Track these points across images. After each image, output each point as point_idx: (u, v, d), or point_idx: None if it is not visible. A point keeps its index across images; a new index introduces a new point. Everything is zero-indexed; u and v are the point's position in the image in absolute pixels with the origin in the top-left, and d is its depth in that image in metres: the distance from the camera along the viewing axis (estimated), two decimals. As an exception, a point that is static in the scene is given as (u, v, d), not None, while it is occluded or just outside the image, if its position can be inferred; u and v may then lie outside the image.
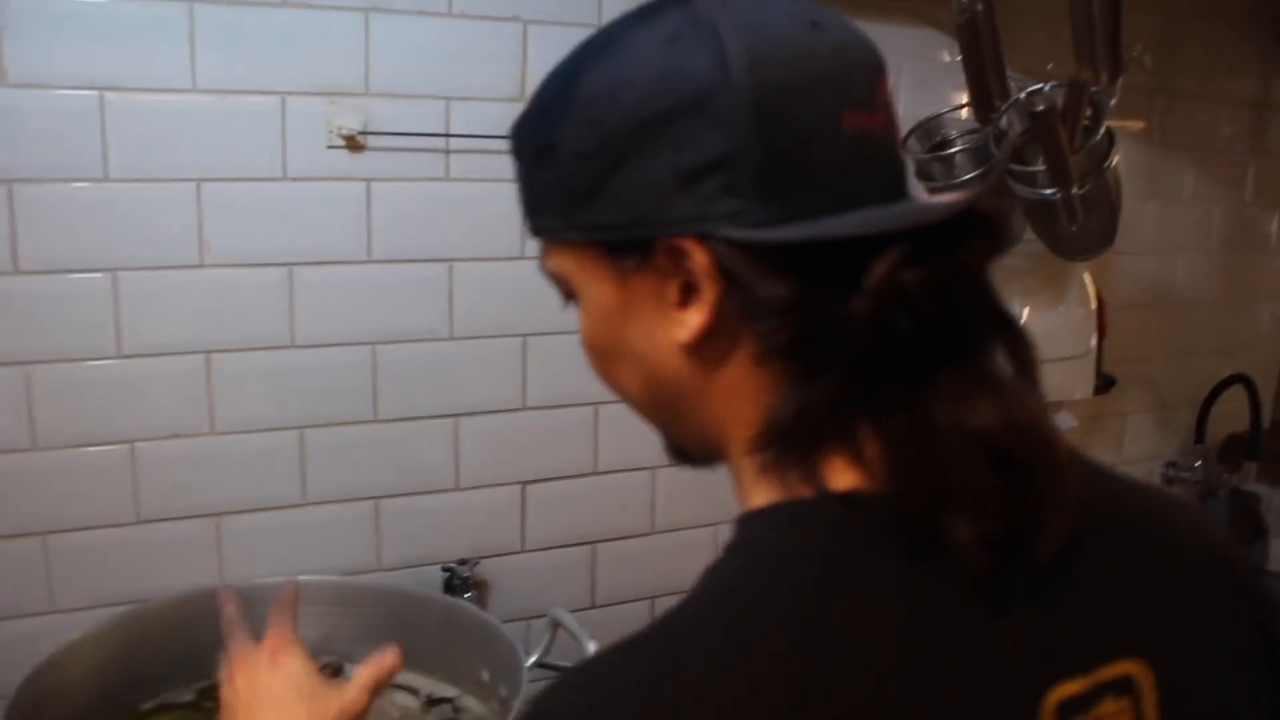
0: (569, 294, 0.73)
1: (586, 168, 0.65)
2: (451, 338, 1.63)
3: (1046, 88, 1.57)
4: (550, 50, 1.57)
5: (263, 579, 1.49)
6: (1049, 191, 1.57)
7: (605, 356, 0.73)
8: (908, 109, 1.88)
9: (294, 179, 1.50)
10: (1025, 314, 1.93)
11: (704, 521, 1.88)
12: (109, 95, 1.39)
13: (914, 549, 0.59)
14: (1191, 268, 2.40)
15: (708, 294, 0.64)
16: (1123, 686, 0.63)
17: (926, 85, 1.86)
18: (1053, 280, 1.97)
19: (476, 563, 1.67)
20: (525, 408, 1.69)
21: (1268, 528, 2.44)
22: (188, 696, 1.38)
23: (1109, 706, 0.62)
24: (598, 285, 0.69)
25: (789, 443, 0.63)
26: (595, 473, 1.77)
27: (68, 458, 1.44)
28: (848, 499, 0.62)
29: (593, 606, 1.82)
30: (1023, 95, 1.59)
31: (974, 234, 0.62)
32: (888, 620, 0.58)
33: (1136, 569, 0.68)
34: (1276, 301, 2.55)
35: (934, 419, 0.61)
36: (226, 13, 1.43)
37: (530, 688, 1.26)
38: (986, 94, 1.63)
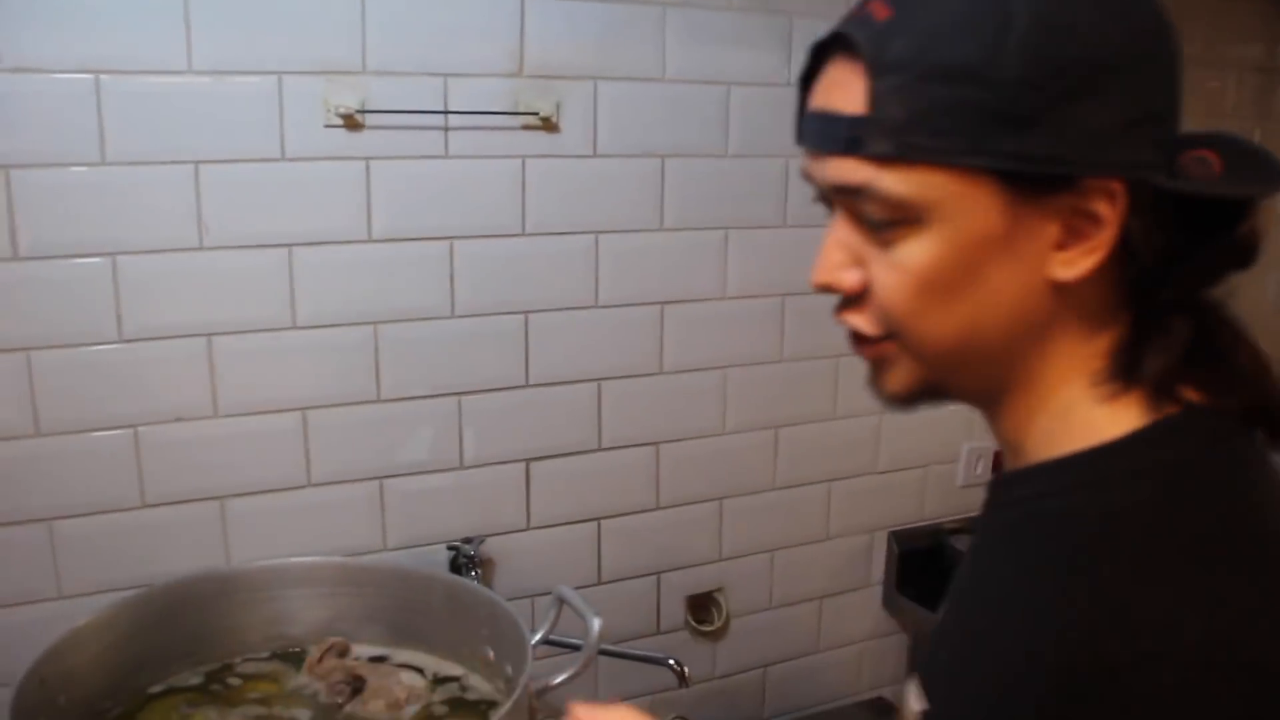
0: (902, 221, 0.69)
1: (1028, 97, 0.64)
2: (453, 315, 1.62)
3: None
4: (547, 25, 1.58)
5: (269, 560, 1.49)
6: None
7: (942, 291, 0.70)
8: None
9: (292, 159, 1.49)
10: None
11: (706, 496, 1.88)
12: (104, 78, 1.38)
13: (1260, 449, 0.72)
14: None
15: (1107, 236, 0.67)
16: None
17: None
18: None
19: (482, 541, 1.67)
20: (528, 384, 1.69)
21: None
22: (195, 679, 1.38)
23: None
24: (976, 215, 0.68)
25: (1157, 371, 0.70)
26: (599, 449, 1.76)
27: (71, 443, 1.44)
28: (1212, 412, 0.71)
29: (599, 583, 1.82)
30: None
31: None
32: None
33: None
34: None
35: (1253, 348, 0.74)
36: (219, -8, 1.42)
37: (536, 665, 1.26)
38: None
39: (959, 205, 0.67)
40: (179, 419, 1.49)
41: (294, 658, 1.43)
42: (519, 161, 1.62)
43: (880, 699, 2.16)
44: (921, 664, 0.83)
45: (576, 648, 1.37)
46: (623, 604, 1.85)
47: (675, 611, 1.91)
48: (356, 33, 1.50)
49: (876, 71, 0.67)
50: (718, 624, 1.94)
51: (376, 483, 1.63)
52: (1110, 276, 0.70)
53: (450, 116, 1.57)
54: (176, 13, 1.40)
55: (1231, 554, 0.65)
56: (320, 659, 1.39)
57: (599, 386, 1.74)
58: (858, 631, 2.13)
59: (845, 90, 0.69)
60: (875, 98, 0.67)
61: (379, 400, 1.60)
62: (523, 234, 1.64)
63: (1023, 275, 0.69)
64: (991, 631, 0.71)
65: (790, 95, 1.77)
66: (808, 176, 0.75)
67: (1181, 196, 0.67)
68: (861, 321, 0.74)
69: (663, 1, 1.67)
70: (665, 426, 1.81)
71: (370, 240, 1.55)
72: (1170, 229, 0.68)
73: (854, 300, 0.74)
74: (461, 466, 1.67)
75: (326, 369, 1.56)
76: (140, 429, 1.47)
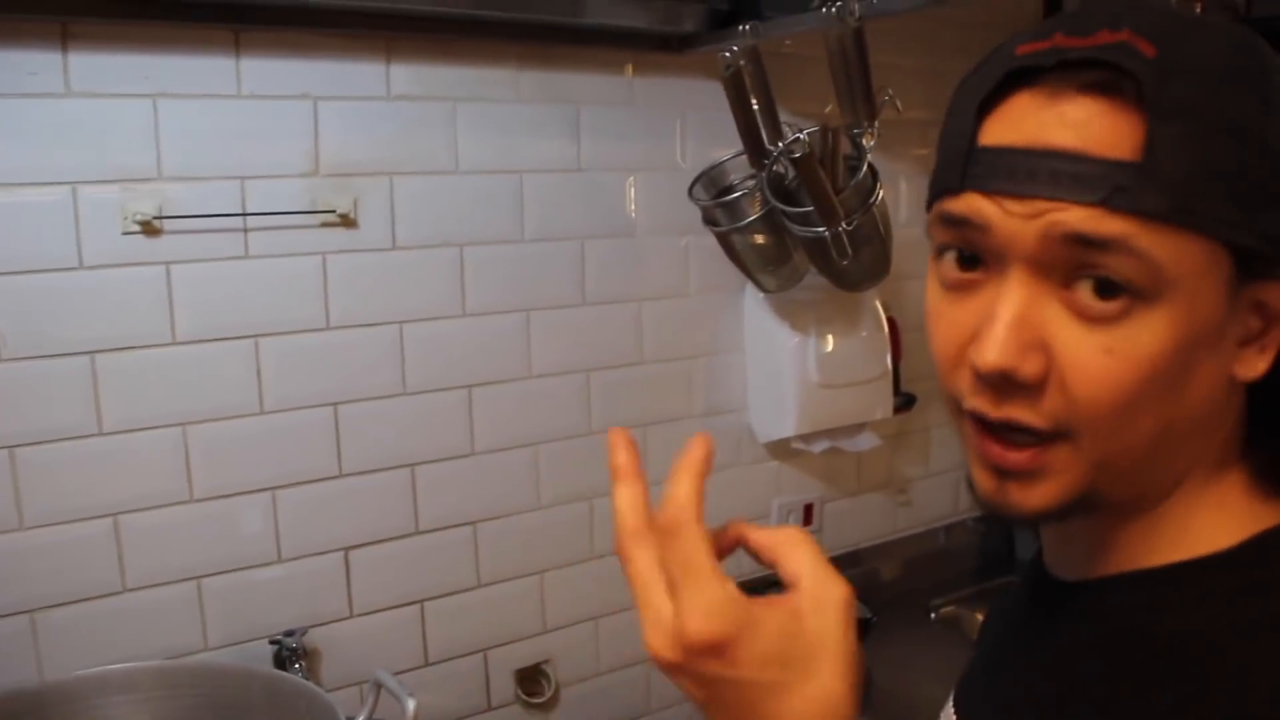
0: (1140, 295, 0.59)
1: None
2: (262, 412, 1.65)
3: (804, 134, 1.68)
4: (341, 125, 1.64)
5: (83, 670, 1.48)
6: (821, 230, 1.67)
7: (1154, 387, 0.61)
8: (695, 158, 1.98)
9: (90, 267, 1.51)
10: (824, 343, 2.03)
11: (527, 570, 1.93)
12: (-112, 198, 1.38)
13: None
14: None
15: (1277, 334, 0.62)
16: None
17: (713, 134, 1.96)
18: (845, 309, 2.09)
19: (304, 632, 1.69)
20: (341, 474, 1.72)
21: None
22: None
23: None
24: (1209, 300, 0.60)
25: None
26: (417, 532, 1.80)
27: None
28: None
29: (426, 664, 1.84)
30: (781, 144, 1.69)
31: None
32: None
33: None
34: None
35: None
36: (8, 105, 1.43)
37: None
38: (759, 142, 1.73)
39: (1198, 284, 0.59)
40: (-17, 533, 1.48)
41: (114, 766, 1.42)
42: (319, 258, 1.66)
43: (713, 754, 2.22)
44: None
45: (399, 729, 1.40)
46: (451, 683, 1.88)
47: (505, 686, 1.94)
48: (150, 140, 1.53)
49: (1158, 115, 0.58)
50: (548, 695, 1.98)
51: (194, 582, 1.63)
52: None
53: (249, 218, 1.60)
54: (-38, 130, 1.41)
55: None
56: (141, 764, 1.39)
57: (413, 471, 1.78)
58: (687, 690, 2.19)
59: (1099, 129, 0.59)
60: (1153, 144, 0.57)
61: (191, 500, 1.61)
62: (327, 328, 1.68)
63: (1220, 369, 0.63)
64: None
65: (582, 179, 1.87)
66: (979, 226, 0.63)
67: None
68: (1033, 415, 0.63)
69: (453, 97, 1.75)
70: (481, 505, 1.86)
71: (175, 343, 1.57)
72: None
73: (1028, 390, 0.62)
74: (280, 559, 1.69)
75: (137, 472, 1.57)
76: (-58, 546, 1.46)
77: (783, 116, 1.77)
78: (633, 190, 1.96)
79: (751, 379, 2.12)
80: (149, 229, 1.53)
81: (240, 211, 1.60)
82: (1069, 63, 0.60)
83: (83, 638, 1.55)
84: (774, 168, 1.75)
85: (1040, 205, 0.60)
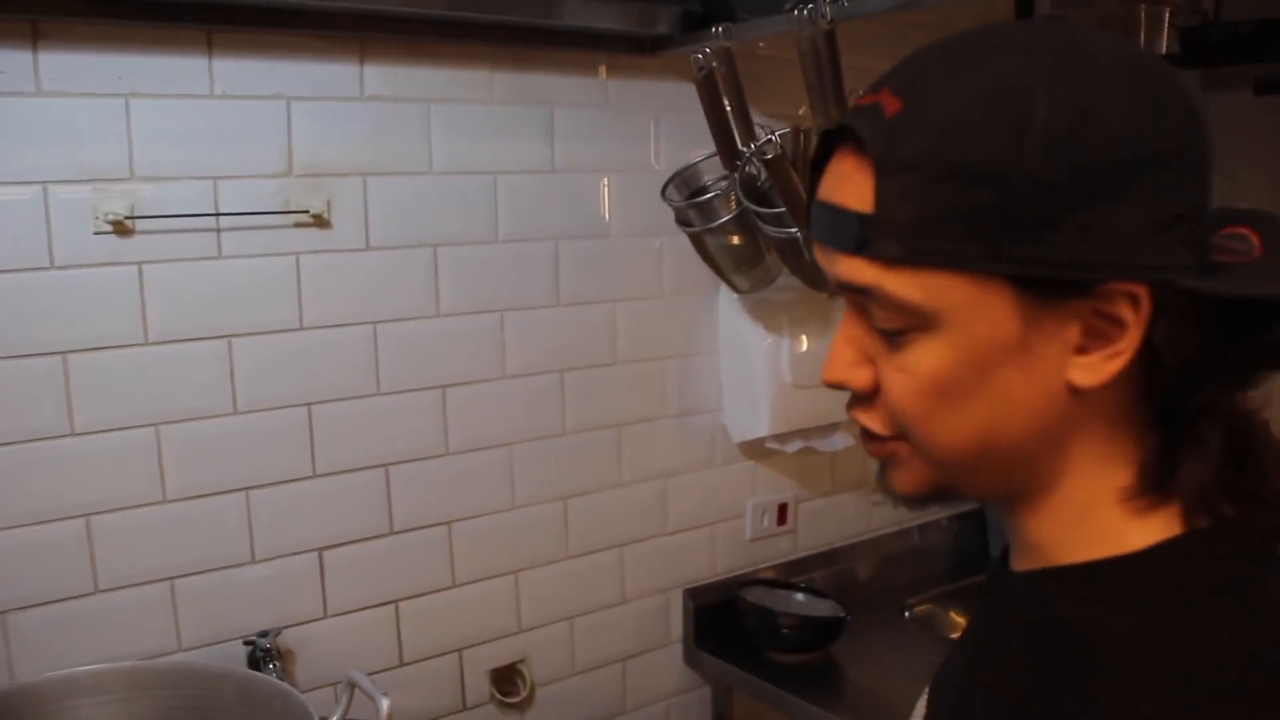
0: (911, 326, 0.67)
1: (1047, 199, 0.62)
2: (235, 412, 1.64)
3: (777, 135, 1.69)
4: (314, 125, 1.63)
5: (54, 672, 1.47)
6: (794, 230, 1.68)
7: (952, 396, 0.68)
8: (669, 159, 1.99)
9: (61, 267, 1.50)
10: (798, 343, 2.04)
11: (502, 570, 1.93)
12: None
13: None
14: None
15: (1131, 340, 0.65)
16: None
17: (686, 136, 1.97)
18: (818, 310, 2.10)
19: (278, 633, 1.68)
20: (315, 475, 1.72)
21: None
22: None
23: None
24: (990, 321, 0.65)
25: (1195, 483, 0.68)
26: (391, 533, 1.80)
27: None
28: (1243, 527, 0.68)
29: (401, 664, 1.84)
30: (754, 146, 1.70)
31: None
32: None
33: None
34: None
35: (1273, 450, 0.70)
36: (-22, 106, 1.43)
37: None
38: (732, 143, 1.74)
39: (971, 311, 0.65)
40: (-47, 535, 1.47)
41: (86, 768, 1.41)
42: (293, 258, 1.66)
43: (688, 754, 2.23)
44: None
45: (373, 728, 1.40)
46: (426, 683, 1.88)
47: (480, 685, 1.94)
48: (122, 140, 1.52)
49: (884, 170, 0.65)
50: (524, 694, 1.99)
51: (167, 583, 1.62)
52: (1138, 381, 0.68)
53: (222, 218, 1.60)
54: (-68, 130, 1.40)
55: (1257, 690, 0.63)
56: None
57: (387, 472, 1.78)
58: (662, 689, 2.20)
59: (853, 185, 0.67)
60: (882, 196, 0.65)
61: (164, 501, 1.61)
62: (300, 328, 1.68)
63: (1040, 381, 0.67)
64: None
65: (556, 180, 1.88)
66: (818, 264, 0.73)
67: (1214, 297, 0.64)
68: (871, 421, 0.73)
69: (427, 98, 1.75)
70: (456, 505, 1.86)
71: (147, 343, 1.57)
72: (1202, 330, 0.65)
73: (864, 398, 0.73)
74: (254, 560, 1.69)
75: (109, 473, 1.56)
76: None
77: (755, 118, 1.78)
78: (607, 191, 1.96)
79: (725, 379, 2.13)
80: (121, 229, 1.53)
81: (213, 212, 1.59)
82: (841, 125, 0.69)
83: (54, 639, 1.54)
84: (747, 169, 1.76)
85: (830, 253, 0.70)
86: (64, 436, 1.53)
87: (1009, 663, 0.72)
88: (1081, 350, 0.66)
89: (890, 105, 0.66)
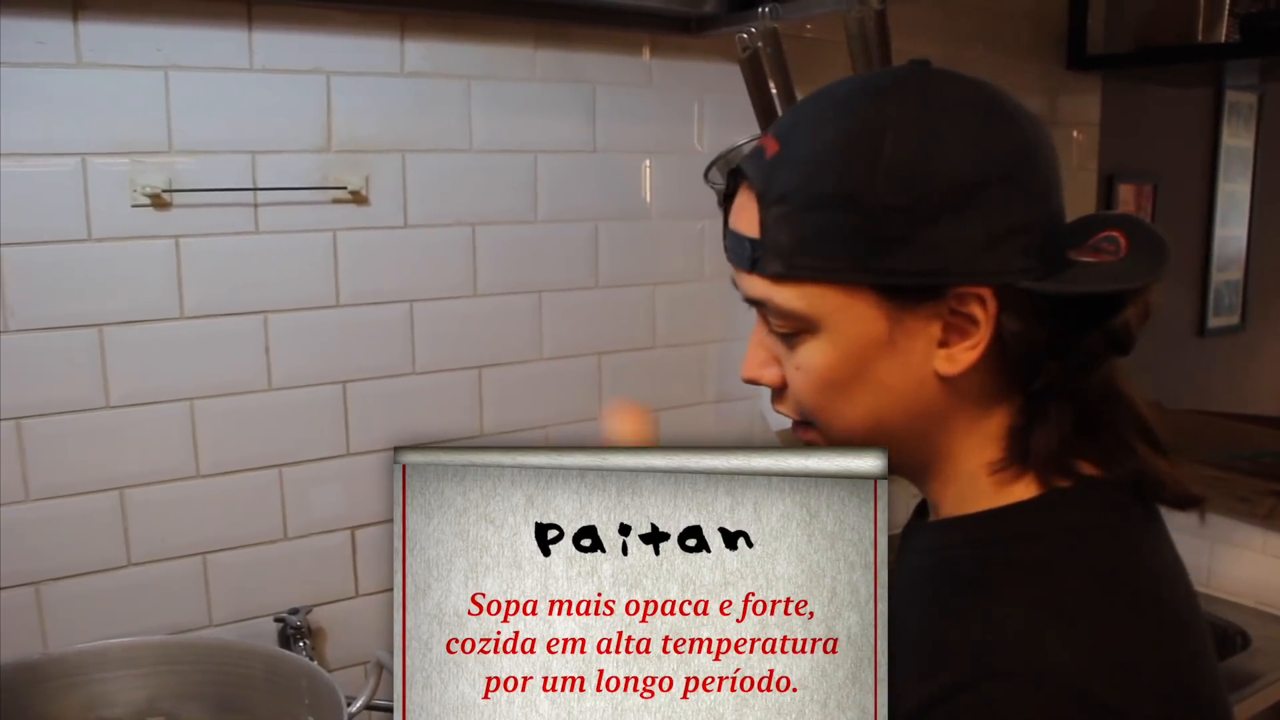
0: (800, 329, 0.80)
1: (897, 219, 0.74)
2: (270, 389, 1.64)
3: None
4: (354, 101, 1.62)
5: (85, 644, 1.47)
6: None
7: (840, 387, 0.80)
8: (712, 141, 1.96)
9: (99, 239, 1.50)
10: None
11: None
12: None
13: (1146, 514, 0.83)
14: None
15: (983, 334, 0.77)
16: None
17: (730, 117, 1.94)
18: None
19: (309, 611, 1.68)
20: (349, 453, 1.71)
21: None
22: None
23: None
24: (861, 323, 0.78)
25: (1044, 453, 0.80)
26: (425, 513, 1.79)
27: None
28: (1101, 483, 0.80)
29: (431, 645, 1.83)
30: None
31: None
32: (1164, 559, 0.82)
33: None
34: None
35: (1142, 421, 0.83)
36: (18, 74, 1.42)
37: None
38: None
39: (845, 315, 0.78)
40: (-13, 505, 1.47)
41: (113, 740, 1.42)
42: (330, 235, 1.65)
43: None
44: None
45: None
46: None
47: (510, 669, 1.93)
48: (161, 113, 1.52)
49: (765, 202, 0.78)
50: (554, 679, 1.97)
51: (199, 558, 1.62)
52: (996, 368, 0.79)
53: (259, 193, 1.59)
54: (-28, 99, 1.40)
55: (1105, 604, 0.75)
56: (140, 739, 1.39)
57: (421, 451, 1.76)
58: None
59: (746, 215, 0.80)
60: (765, 224, 0.78)
61: (198, 476, 1.60)
62: (337, 305, 1.67)
63: (911, 371, 0.79)
64: (903, 655, 0.77)
65: (597, 160, 1.86)
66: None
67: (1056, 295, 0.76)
68: (787, 409, 0.86)
69: (468, 75, 1.73)
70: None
71: (183, 318, 1.56)
72: (1045, 324, 0.76)
73: (778, 392, 0.86)
74: (286, 537, 1.68)
75: (144, 446, 1.56)
76: (-54, 517, 1.45)
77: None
78: (648, 172, 1.94)
79: (765, 365, 2.09)
80: (158, 202, 1.52)
81: (251, 186, 1.59)
82: (736, 168, 0.82)
83: (87, 611, 1.55)
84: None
85: (737, 272, 0.83)
86: (99, 409, 1.53)
87: (913, 603, 0.81)
88: (944, 344, 0.78)
89: (771, 147, 0.79)
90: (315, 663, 1.46)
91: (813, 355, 0.80)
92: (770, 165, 0.78)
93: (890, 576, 0.69)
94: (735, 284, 0.85)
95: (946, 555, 0.83)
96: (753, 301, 0.83)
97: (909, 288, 0.76)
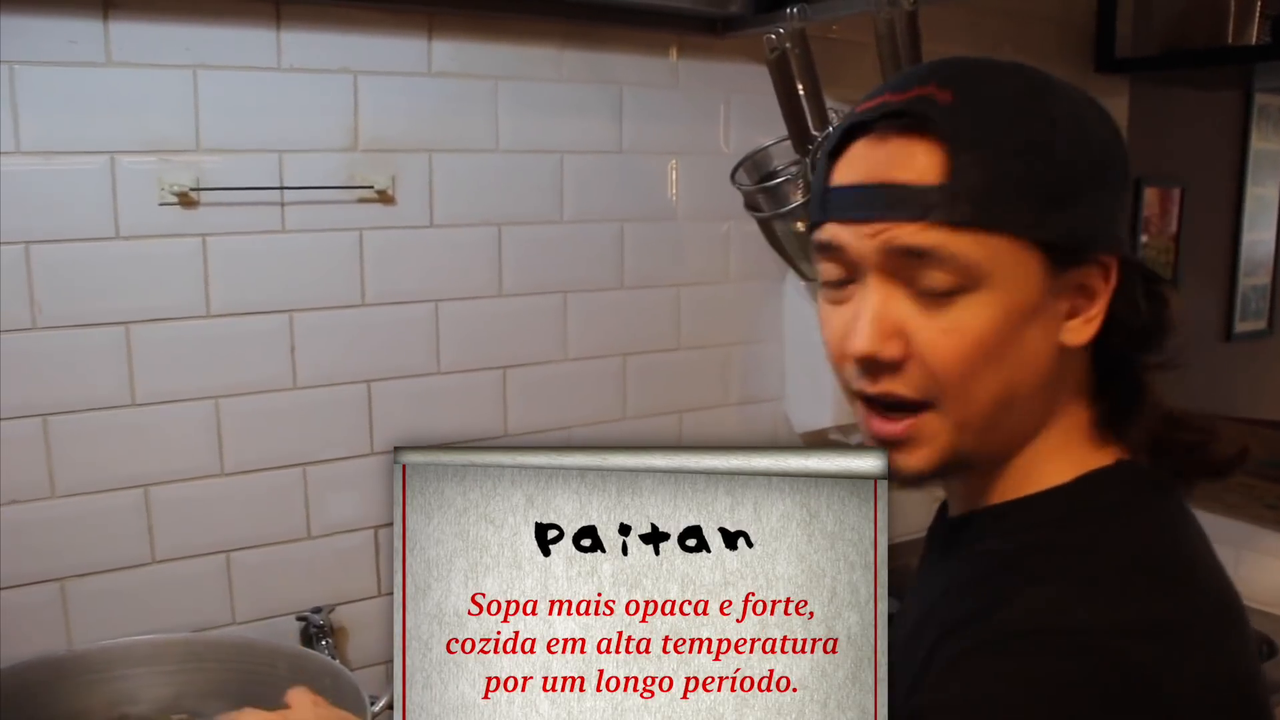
0: (962, 286, 0.76)
1: (1075, 178, 0.76)
2: (295, 387, 1.64)
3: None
4: (381, 101, 1.62)
5: (109, 640, 1.48)
6: (865, 218, 1.64)
7: (991, 353, 0.77)
8: (739, 142, 1.95)
9: (126, 238, 1.50)
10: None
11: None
12: (-73, 163, 1.38)
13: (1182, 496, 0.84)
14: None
15: (1099, 308, 0.80)
16: None
17: (757, 119, 1.93)
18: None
19: (332, 609, 1.68)
20: (373, 452, 1.71)
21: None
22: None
23: None
24: (1026, 281, 0.77)
25: (1137, 432, 0.83)
26: (448, 513, 1.79)
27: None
28: (1141, 468, 0.83)
29: (453, 646, 1.83)
30: (826, 130, 1.66)
31: None
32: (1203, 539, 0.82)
33: None
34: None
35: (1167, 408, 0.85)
36: (49, 73, 1.43)
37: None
38: (804, 127, 1.70)
39: (1013, 272, 0.76)
40: (14, 501, 1.48)
41: (137, 738, 1.42)
42: (356, 234, 1.65)
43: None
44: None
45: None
46: (478, 665, 1.86)
47: (532, 670, 1.93)
48: (189, 112, 1.52)
49: (956, 145, 0.75)
50: (575, 680, 1.97)
51: (223, 556, 1.62)
52: (1089, 347, 0.81)
53: (286, 192, 1.59)
54: (2, 93, 1.40)
55: (1134, 583, 0.75)
56: (163, 737, 1.39)
57: (444, 451, 1.76)
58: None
59: (910, 163, 0.76)
60: (955, 169, 0.75)
61: (223, 474, 1.61)
62: (362, 304, 1.67)
63: (1048, 339, 0.79)
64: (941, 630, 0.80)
65: (623, 161, 1.85)
66: (837, 248, 0.80)
67: (1144, 273, 0.81)
68: (903, 387, 0.79)
69: (495, 75, 1.73)
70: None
71: (209, 316, 1.57)
72: (1140, 303, 0.81)
73: (891, 368, 0.79)
74: (310, 536, 1.68)
75: (169, 444, 1.56)
76: (-28, 513, 1.46)
77: (828, 103, 1.73)
78: (674, 173, 1.93)
79: (790, 368, 2.09)
80: (186, 200, 1.53)
81: (278, 185, 1.59)
82: (889, 114, 0.77)
83: (111, 608, 1.55)
84: (817, 154, 1.72)
85: (878, 226, 0.77)
86: (125, 407, 1.53)
87: (955, 591, 0.83)
88: (1069, 315, 0.79)
89: (942, 96, 0.76)
90: (338, 661, 1.45)
91: (971, 314, 0.76)
92: (952, 110, 0.76)
93: (907, 576, 0.70)
94: (839, 248, 0.80)
95: (989, 544, 0.83)
96: (907, 254, 0.76)
97: (1066, 249, 0.77)
